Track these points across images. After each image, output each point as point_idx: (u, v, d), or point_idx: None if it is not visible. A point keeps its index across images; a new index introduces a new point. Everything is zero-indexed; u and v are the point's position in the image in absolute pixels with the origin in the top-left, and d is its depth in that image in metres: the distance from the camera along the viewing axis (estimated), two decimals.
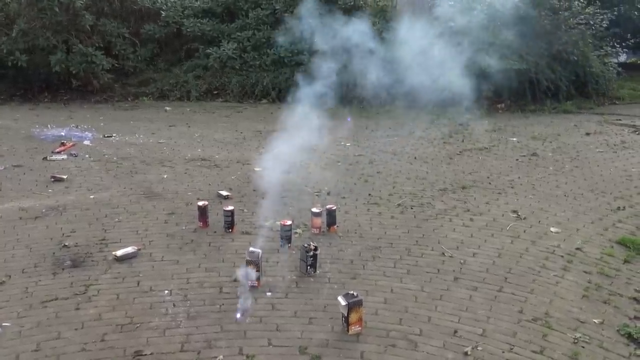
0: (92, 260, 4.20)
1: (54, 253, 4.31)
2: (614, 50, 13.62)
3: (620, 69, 12.60)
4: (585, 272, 4.18)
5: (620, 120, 10.11)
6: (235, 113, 10.86)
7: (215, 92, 12.42)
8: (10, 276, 3.93)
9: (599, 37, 12.30)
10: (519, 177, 6.54)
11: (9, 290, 3.74)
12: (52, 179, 6.20)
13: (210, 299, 3.65)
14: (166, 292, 3.74)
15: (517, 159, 7.40)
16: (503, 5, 10.75)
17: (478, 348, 3.17)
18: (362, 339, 3.24)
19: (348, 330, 3.27)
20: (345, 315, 3.26)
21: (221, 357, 3.05)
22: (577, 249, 4.56)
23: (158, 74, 12.89)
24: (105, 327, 3.31)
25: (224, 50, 12.18)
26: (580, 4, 11.44)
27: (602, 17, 11.61)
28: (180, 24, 12.78)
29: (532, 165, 7.12)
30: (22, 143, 8.01)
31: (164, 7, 12.80)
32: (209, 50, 12.32)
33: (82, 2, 11.30)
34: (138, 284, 3.85)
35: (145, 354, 3.06)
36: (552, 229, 4.95)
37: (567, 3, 11.31)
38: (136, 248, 4.35)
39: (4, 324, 3.32)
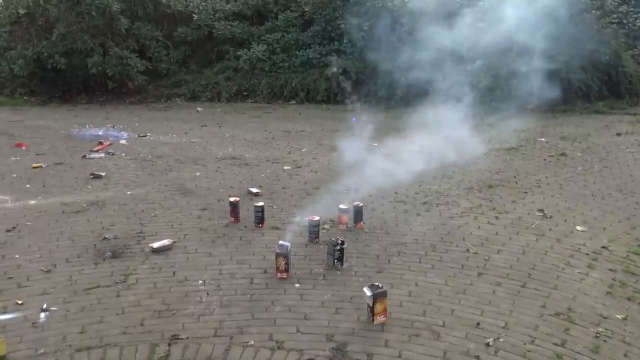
0: (131, 252, 4.43)
1: (95, 245, 4.56)
2: None
3: None
4: (610, 269, 4.21)
5: None
6: (265, 114, 11.08)
7: (245, 93, 12.66)
8: (55, 265, 4.19)
9: (632, 36, 12.09)
10: (546, 177, 6.54)
11: (55, 278, 3.99)
12: (91, 176, 6.50)
13: (241, 289, 3.82)
14: (200, 282, 3.93)
15: (545, 159, 7.38)
16: (534, 5, 10.70)
17: (500, 339, 3.25)
18: (386, 328, 3.36)
19: (373, 320, 3.39)
20: (371, 305, 3.39)
21: (252, 342, 3.21)
22: (603, 247, 4.58)
23: (190, 75, 13.22)
24: (144, 313, 3.52)
25: (253, 52, 12.41)
26: (612, 3, 11.28)
27: (635, 15, 11.41)
28: (211, 26, 13.08)
29: (560, 165, 7.10)
30: (62, 142, 8.38)
31: (195, 11, 13.12)
32: (239, 52, 12.57)
33: (117, 6, 11.69)
34: (174, 274, 4.06)
35: (182, 338, 3.25)
36: (578, 228, 4.97)
37: (599, 2, 11.16)
38: (171, 241, 4.57)
39: (51, 308, 3.56)
